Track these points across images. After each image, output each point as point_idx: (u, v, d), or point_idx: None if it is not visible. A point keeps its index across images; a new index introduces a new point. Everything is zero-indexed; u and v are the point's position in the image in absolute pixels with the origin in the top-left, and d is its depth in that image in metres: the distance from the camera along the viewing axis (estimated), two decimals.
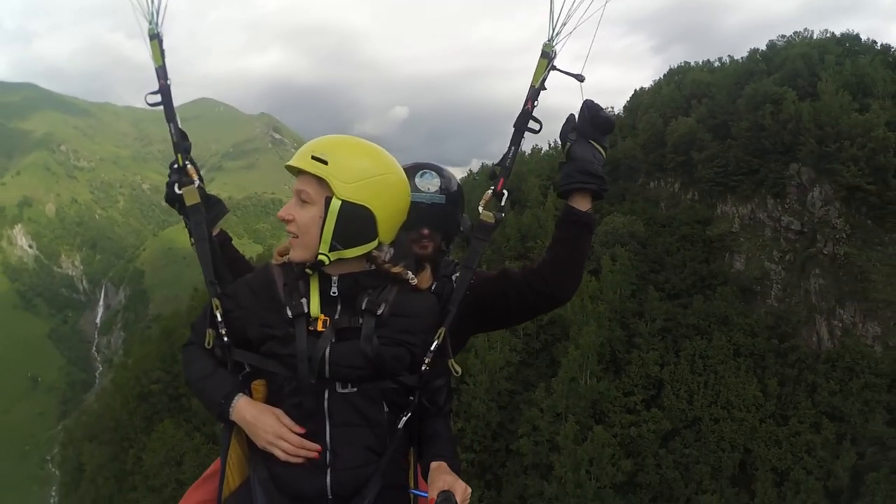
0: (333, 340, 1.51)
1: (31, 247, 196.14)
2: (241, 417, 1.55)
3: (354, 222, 1.49)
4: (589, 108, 1.78)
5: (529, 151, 65.01)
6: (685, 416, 33.33)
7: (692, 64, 68.06)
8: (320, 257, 1.50)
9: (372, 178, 1.51)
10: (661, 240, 44.56)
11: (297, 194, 1.54)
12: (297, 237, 1.53)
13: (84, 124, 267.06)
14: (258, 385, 1.59)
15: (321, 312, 1.53)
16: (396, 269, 1.58)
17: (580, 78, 1.76)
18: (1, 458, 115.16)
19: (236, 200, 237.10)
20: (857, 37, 60.20)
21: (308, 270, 1.53)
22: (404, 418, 1.59)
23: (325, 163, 1.48)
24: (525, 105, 1.77)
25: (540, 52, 1.74)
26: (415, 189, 1.88)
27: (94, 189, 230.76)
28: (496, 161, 1.84)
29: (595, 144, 1.78)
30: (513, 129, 1.79)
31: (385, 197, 1.53)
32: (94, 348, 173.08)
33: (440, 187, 1.96)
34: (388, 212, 1.54)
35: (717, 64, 65.65)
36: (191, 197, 1.76)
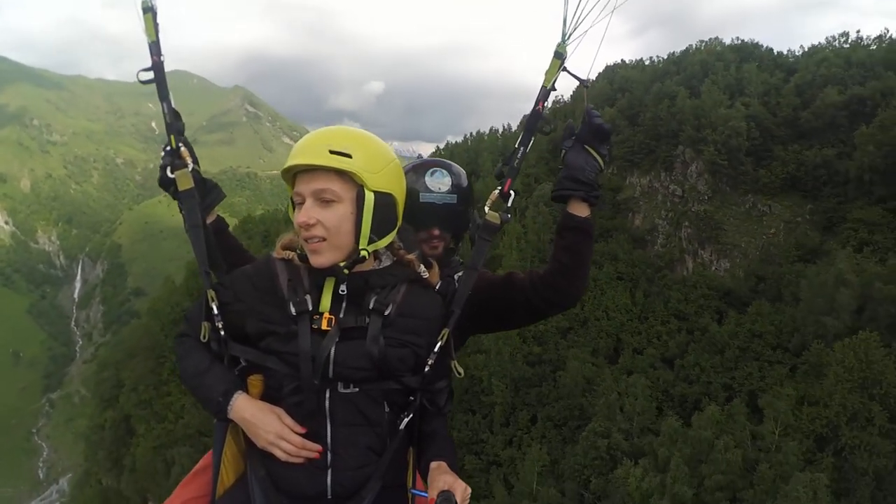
0: (338, 340, 1.54)
1: (6, 223, 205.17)
2: (240, 416, 1.57)
3: (386, 211, 1.56)
4: (589, 114, 1.86)
5: (487, 132, 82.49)
6: (578, 317, 51.20)
7: (627, 62, 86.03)
8: (362, 253, 1.53)
9: (389, 164, 1.58)
10: None
11: (314, 195, 1.52)
12: (325, 240, 1.52)
13: (57, 98, 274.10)
14: (255, 380, 1.63)
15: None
16: (411, 257, 1.67)
17: (586, 83, 1.86)
18: None
19: (212, 174, 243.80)
20: (756, 45, 78.65)
21: (346, 270, 1.54)
22: (406, 419, 1.64)
23: (349, 156, 1.50)
24: (535, 106, 1.81)
25: (553, 53, 1.77)
26: (425, 189, 2.00)
27: (68, 164, 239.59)
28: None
29: (592, 151, 1.85)
30: (523, 130, 1.82)
31: (400, 181, 1.62)
32: (73, 322, 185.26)
33: (451, 186, 2.03)
34: (402, 195, 1.63)
35: (647, 63, 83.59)
36: (184, 181, 1.72)
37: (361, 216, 1.52)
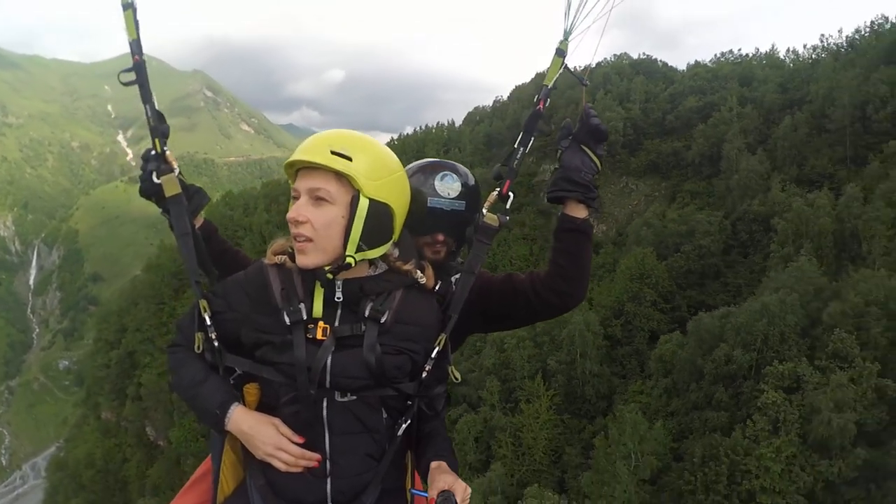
0: (333, 349, 1.61)
1: None
2: (237, 428, 1.67)
3: (380, 221, 1.62)
4: (587, 114, 1.98)
5: (435, 126, 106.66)
6: (489, 265, 75.09)
7: None
8: (348, 259, 1.61)
9: (392, 175, 1.66)
10: None
11: (309, 193, 1.60)
12: (312, 240, 1.59)
13: (13, 78, 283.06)
14: (251, 388, 1.73)
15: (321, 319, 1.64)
16: (407, 267, 1.73)
17: (584, 82, 2.02)
18: None
19: None
20: (653, 61, 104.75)
21: (329, 275, 1.61)
22: (404, 425, 1.74)
23: (350, 159, 1.57)
24: (536, 105, 1.94)
25: (555, 51, 1.90)
26: (434, 193, 2.09)
27: (24, 147, 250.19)
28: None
29: (588, 151, 1.95)
30: (522, 131, 1.97)
31: (401, 195, 1.69)
32: (29, 309, 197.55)
33: (461, 192, 2.12)
34: (403, 210, 1.71)
35: (574, 70, 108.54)
36: (171, 187, 1.79)
37: (352, 221, 1.59)
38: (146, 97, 1.80)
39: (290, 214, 1.59)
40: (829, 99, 65.46)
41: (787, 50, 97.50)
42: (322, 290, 1.65)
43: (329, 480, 1.69)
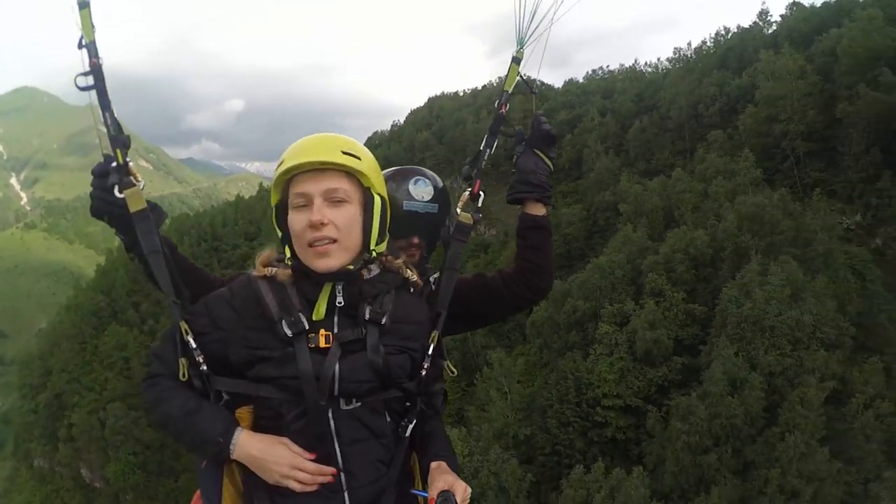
0: (339, 355, 1.60)
1: None
2: (246, 454, 1.61)
3: (386, 216, 1.73)
4: (537, 121, 2.19)
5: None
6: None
7: (445, 93, 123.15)
8: (374, 254, 1.68)
9: (381, 173, 1.78)
10: None
11: (324, 195, 1.61)
12: (337, 241, 1.60)
13: None
14: (243, 412, 1.68)
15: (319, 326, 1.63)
16: (399, 263, 1.79)
17: (534, 91, 2.26)
18: None
19: (65, 202, 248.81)
20: (533, 80, 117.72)
21: (360, 272, 1.65)
22: (410, 426, 1.76)
23: (359, 158, 1.64)
24: (498, 109, 2.13)
25: (511, 59, 2.07)
26: (408, 196, 2.22)
27: None
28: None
29: (541, 155, 2.14)
30: (487, 133, 2.16)
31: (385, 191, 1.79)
32: None
33: (433, 195, 2.29)
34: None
35: (462, 94, 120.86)
36: (136, 201, 1.70)
37: (371, 217, 1.65)
38: (105, 104, 1.73)
39: (314, 217, 1.58)
40: (673, 102, 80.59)
41: (645, 63, 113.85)
42: (328, 292, 1.65)
43: (346, 494, 1.67)
